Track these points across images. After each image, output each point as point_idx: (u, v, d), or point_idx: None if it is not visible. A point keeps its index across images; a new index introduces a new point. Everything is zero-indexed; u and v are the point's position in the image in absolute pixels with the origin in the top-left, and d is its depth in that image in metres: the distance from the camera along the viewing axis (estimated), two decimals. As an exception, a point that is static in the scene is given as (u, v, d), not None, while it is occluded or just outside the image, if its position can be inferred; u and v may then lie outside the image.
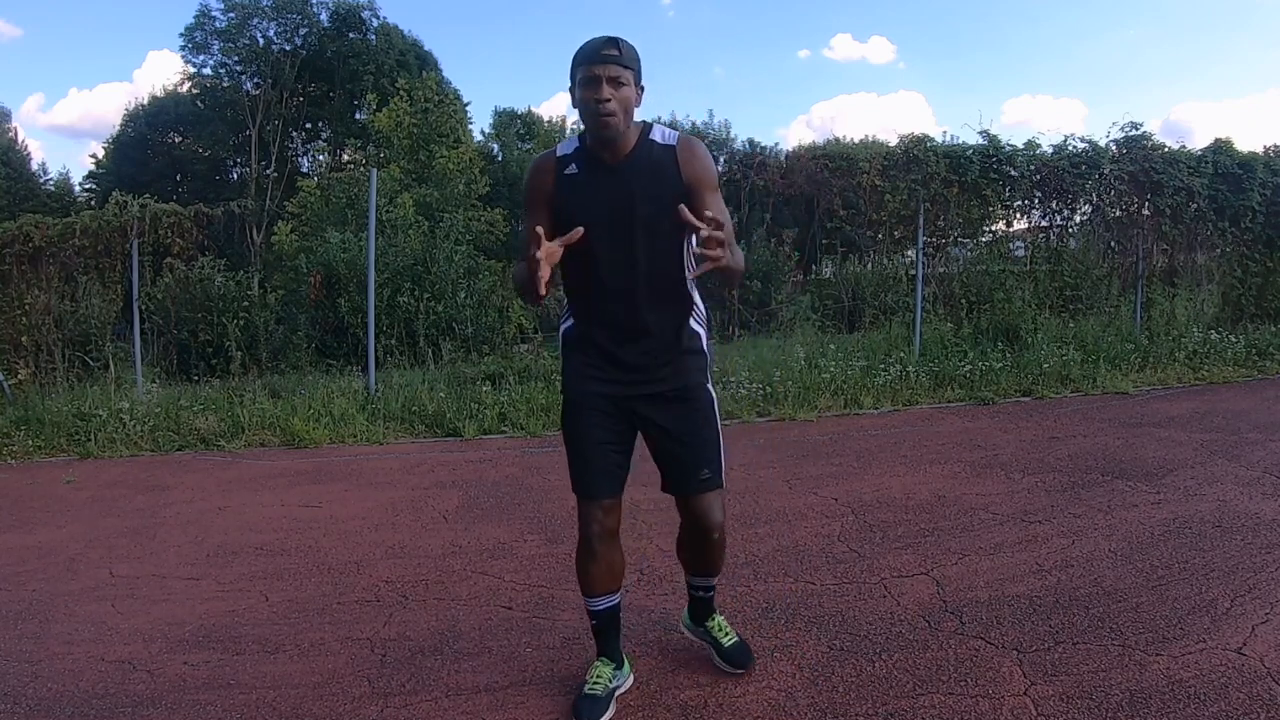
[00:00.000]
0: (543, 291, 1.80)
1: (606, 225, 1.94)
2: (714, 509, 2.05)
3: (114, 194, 8.45)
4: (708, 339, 2.13)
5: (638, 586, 2.89)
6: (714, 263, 1.71)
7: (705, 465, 2.03)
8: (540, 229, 1.78)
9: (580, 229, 1.85)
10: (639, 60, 1.93)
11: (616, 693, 2.16)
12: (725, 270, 1.77)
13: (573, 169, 1.99)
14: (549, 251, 1.80)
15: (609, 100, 1.86)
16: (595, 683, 2.12)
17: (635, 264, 1.96)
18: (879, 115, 56.94)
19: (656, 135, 1.99)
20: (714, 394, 2.10)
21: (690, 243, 1.99)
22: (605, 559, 2.09)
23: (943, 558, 3.04)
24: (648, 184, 1.94)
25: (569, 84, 1.94)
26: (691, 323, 2.08)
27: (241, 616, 2.86)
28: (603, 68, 1.86)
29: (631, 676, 2.25)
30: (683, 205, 1.78)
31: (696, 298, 2.10)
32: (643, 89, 1.96)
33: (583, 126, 1.98)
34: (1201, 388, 6.61)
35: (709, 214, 1.74)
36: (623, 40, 1.89)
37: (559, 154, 2.03)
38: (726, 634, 2.29)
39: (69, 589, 3.22)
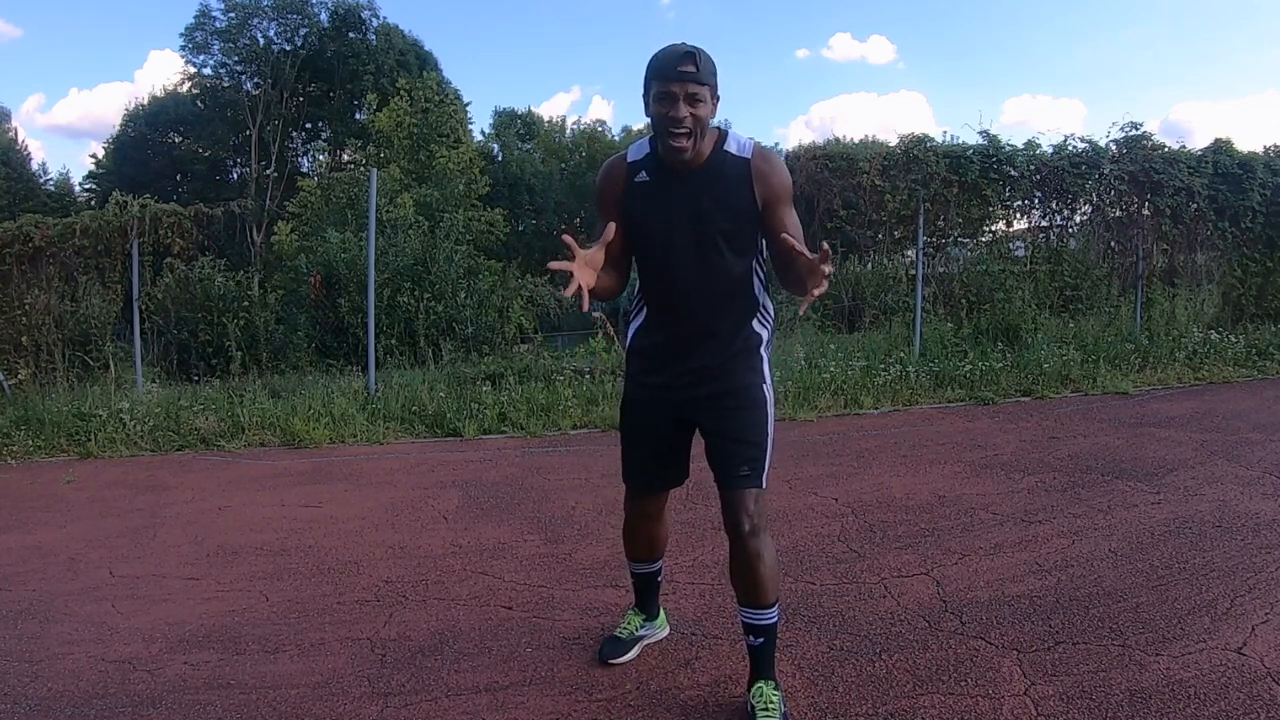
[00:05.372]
0: (585, 307, 1.79)
1: (676, 235, 1.94)
2: (744, 505, 1.95)
3: (114, 194, 8.41)
4: (770, 339, 2.10)
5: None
6: (817, 296, 1.68)
7: (745, 463, 1.98)
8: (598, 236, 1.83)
9: (613, 226, 1.86)
10: (716, 72, 1.88)
11: (645, 642, 2.39)
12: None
13: (643, 176, 1.98)
14: (586, 260, 1.79)
15: (685, 118, 1.83)
16: (623, 628, 2.40)
17: (704, 273, 1.96)
18: (879, 115, 57.16)
19: (731, 146, 1.95)
20: (768, 394, 2.05)
21: (761, 247, 2.00)
22: (644, 534, 2.29)
23: (943, 558, 3.04)
24: (719, 196, 1.93)
25: (643, 91, 1.91)
26: (754, 324, 2.06)
27: (241, 616, 2.85)
28: (680, 85, 1.82)
29: (667, 629, 2.47)
30: (786, 235, 1.77)
31: (764, 300, 2.08)
32: (718, 99, 1.91)
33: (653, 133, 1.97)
34: (1201, 388, 6.60)
35: (825, 245, 1.67)
36: (701, 53, 1.84)
37: (629, 159, 2.01)
38: (766, 710, 1.94)
39: (69, 589, 3.22)
